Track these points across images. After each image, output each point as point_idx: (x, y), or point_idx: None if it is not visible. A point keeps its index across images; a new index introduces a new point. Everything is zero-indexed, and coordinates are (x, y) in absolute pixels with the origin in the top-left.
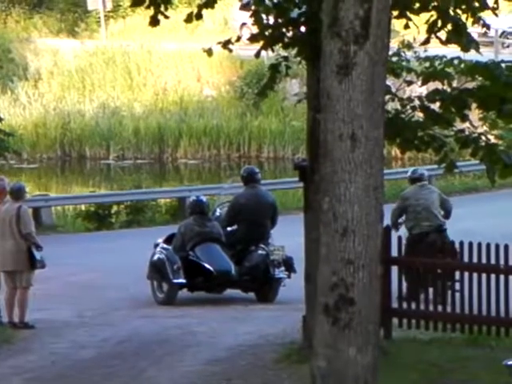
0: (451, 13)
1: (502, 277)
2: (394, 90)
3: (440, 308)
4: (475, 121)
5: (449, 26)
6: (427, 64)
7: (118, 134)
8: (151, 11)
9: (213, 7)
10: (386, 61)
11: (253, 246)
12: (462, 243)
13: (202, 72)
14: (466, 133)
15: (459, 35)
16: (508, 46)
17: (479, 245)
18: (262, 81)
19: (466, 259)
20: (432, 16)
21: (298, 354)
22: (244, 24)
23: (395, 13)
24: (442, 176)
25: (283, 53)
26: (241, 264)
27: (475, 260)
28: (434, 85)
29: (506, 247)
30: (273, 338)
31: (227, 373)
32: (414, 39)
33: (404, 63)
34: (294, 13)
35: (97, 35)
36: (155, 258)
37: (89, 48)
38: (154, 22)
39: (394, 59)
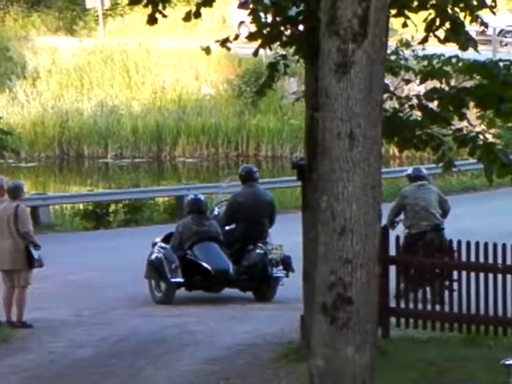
0: (449, 11)
1: (499, 276)
2: (392, 88)
3: (438, 307)
4: (473, 120)
5: (447, 25)
6: (425, 63)
7: (116, 133)
8: (149, 9)
9: (211, 6)
10: (385, 59)
11: (251, 245)
12: (459, 242)
13: (200, 70)
14: (464, 132)
15: (457, 34)
16: (506, 45)
17: (477, 244)
18: (260, 79)
19: (463, 258)
20: (430, 14)
21: (296, 354)
22: (242, 22)
23: (393, 11)
24: (439, 175)
25: (281, 51)
26: (239, 263)
27: (473, 259)
28: (432, 83)
29: (504, 246)
30: (271, 338)
31: (225, 372)
32: (412, 38)
33: (402, 62)
34: (292, 11)
35: (95, 33)
36: (153, 256)
37: (87, 46)
38: (152, 20)
39: (392, 58)
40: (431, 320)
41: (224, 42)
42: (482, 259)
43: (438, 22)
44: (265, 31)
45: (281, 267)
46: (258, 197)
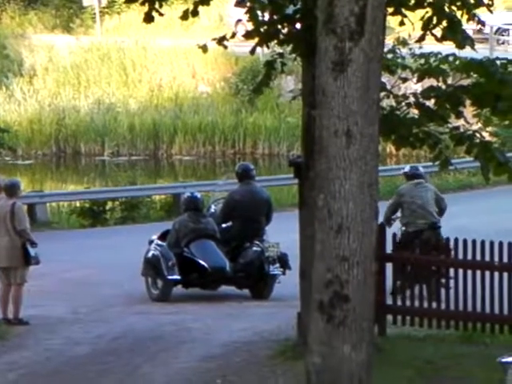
0: (446, 9)
1: (496, 274)
2: (389, 86)
3: (434, 305)
4: (469, 118)
5: (444, 23)
6: (422, 61)
7: (112, 131)
8: (146, 8)
9: (208, 4)
10: (381, 57)
11: (247, 243)
12: (456, 240)
13: (197, 68)
14: (461, 130)
15: (454, 32)
16: (503, 43)
17: (474, 242)
18: (257, 77)
19: (460, 256)
20: (427, 13)
21: (293, 351)
22: (239, 20)
23: (390, 9)
24: (436, 173)
25: (278, 49)
26: (235, 260)
27: (470, 257)
28: (429, 82)
29: (501, 244)
30: (267, 335)
31: (222, 369)
32: (409, 36)
33: (399, 60)
34: (290, 9)
35: (92, 31)
36: (150, 254)
37: (84, 44)
38: (149, 18)
39: (389, 56)
40: (428, 318)
41: (221, 40)
42: (478, 257)
43: (434, 21)
44: (262, 29)
45: (277, 265)
46: (255, 194)
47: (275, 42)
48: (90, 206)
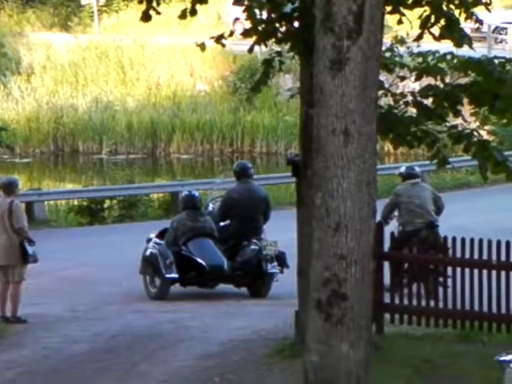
0: (444, 8)
1: (494, 272)
2: (387, 85)
3: (432, 303)
4: (467, 117)
5: (442, 22)
6: (420, 59)
7: (110, 129)
8: (144, 6)
9: (206, 2)
10: (380, 56)
11: (245, 241)
12: (454, 239)
13: (194, 67)
14: (459, 129)
15: (452, 31)
16: (501, 42)
17: (471, 240)
18: (254, 76)
19: (458, 255)
20: (425, 11)
21: (291, 349)
22: (237, 19)
23: (388, 8)
24: (434, 172)
25: (276, 48)
26: (233, 259)
27: (467, 256)
28: (427, 80)
29: (498, 243)
30: (265, 333)
31: (220, 368)
32: (407, 34)
33: (397, 58)
34: (287, 8)
35: (90, 29)
36: (148, 252)
37: (82, 42)
38: (146, 17)
39: (387, 54)
40: (425, 316)
41: (219, 39)
42: (476, 256)
43: (432, 19)
44: (260, 28)
45: (275, 263)
46: (253, 193)
47: (273, 40)
48: (88, 205)
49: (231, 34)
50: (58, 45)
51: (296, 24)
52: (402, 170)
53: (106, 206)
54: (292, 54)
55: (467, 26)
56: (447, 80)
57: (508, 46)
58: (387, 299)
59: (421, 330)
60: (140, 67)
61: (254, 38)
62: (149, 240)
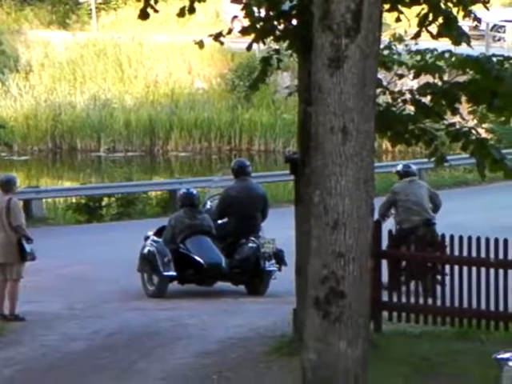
0: (442, 6)
1: (491, 270)
2: (385, 83)
3: (430, 301)
4: (465, 115)
5: (440, 20)
6: (418, 57)
7: (108, 126)
8: (142, 4)
9: (204, 0)
10: (378, 54)
11: (243, 239)
12: (452, 237)
13: (193, 64)
14: (457, 127)
15: (450, 29)
16: (499, 40)
17: (469, 238)
18: (253, 73)
19: (456, 253)
20: (423, 9)
21: (289, 347)
22: (235, 17)
23: (386, 6)
24: (432, 169)
25: (275, 46)
26: (231, 257)
27: (465, 254)
28: (425, 78)
29: (496, 241)
30: (263, 331)
31: (218, 365)
32: (406, 32)
33: (395, 56)
34: (286, 5)
35: (88, 27)
36: (145, 250)
37: (80, 40)
38: (144, 15)
39: (386, 52)
40: (423, 314)
41: (217, 36)
42: (474, 254)
43: (431, 17)
44: (258, 26)
45: (273, 261)
46: (251, 191)
47: (271, 38)
48: (85, 202)
49: (229, 31)
50: (56, 42)
51: (294, 22)
52: (399, 168)
53: (103, 203)
54: (290, 51)
55: (465, 24)
56: (445, 78)
57: (506, 44)
58: (385, 297)
59: (419, 328)
60: (138, 65)
61: (253, 35)
62: (147, 238)
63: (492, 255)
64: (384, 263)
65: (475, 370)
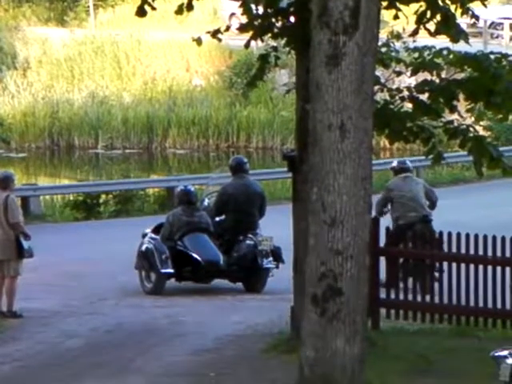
0: (440, 3)
1: (489, 268)
2: (383, 80)
3: (428, 299)
4: (463, 112)
5: (438, 17)
6: (416, 55)
7: (106, 124)
8: (139, 1)
9: None
10: (376, 51)
11: (241, 236)
12: (449, 234)
13: (191, 61)
14: (455, 124)
15: (448, 26)
16: (497, 37)
17: (467, 236)
18: (250, 71)
19: (453, 250)
20: (421, 7)
21: (286, 344)
22: (233, 14)
23: (384, 3)
24: (429, 167)
25: (272, 43)
26: (229, 254)
27: (463, 251)
28: (423, 75)
29: (494, 238)
30: (261, 328)
31: (215, 363)
32: (404, 30)
33: (393, 54)
34: (284, 3)
35: (86, 24)
36: (143, 247)
37: (78, 37)
38: (141, 12)
39: (383, 50)
40: (421, 311)
41: (215, 34)
42: (472, 251)
43: (429, 14)
44: (256, 23)
45: (271, 258)
46: (248, 188)
47: (269, 35)
48: (83, 199)
49: (227, 28)
50: (54, 39)
51: (292, 19)
52: (394, 164)
53: (101, 200)
54: (288, 49)
55: (463, 21)
56: (443, 75)
57: (504, 42)
58: (383, 294)
59: (416, 326)
60: (136, 62)
61: (250, 33)
62: (144, 235)
63: (489, 252)
64: (382, 260)
65: (472, 367)
